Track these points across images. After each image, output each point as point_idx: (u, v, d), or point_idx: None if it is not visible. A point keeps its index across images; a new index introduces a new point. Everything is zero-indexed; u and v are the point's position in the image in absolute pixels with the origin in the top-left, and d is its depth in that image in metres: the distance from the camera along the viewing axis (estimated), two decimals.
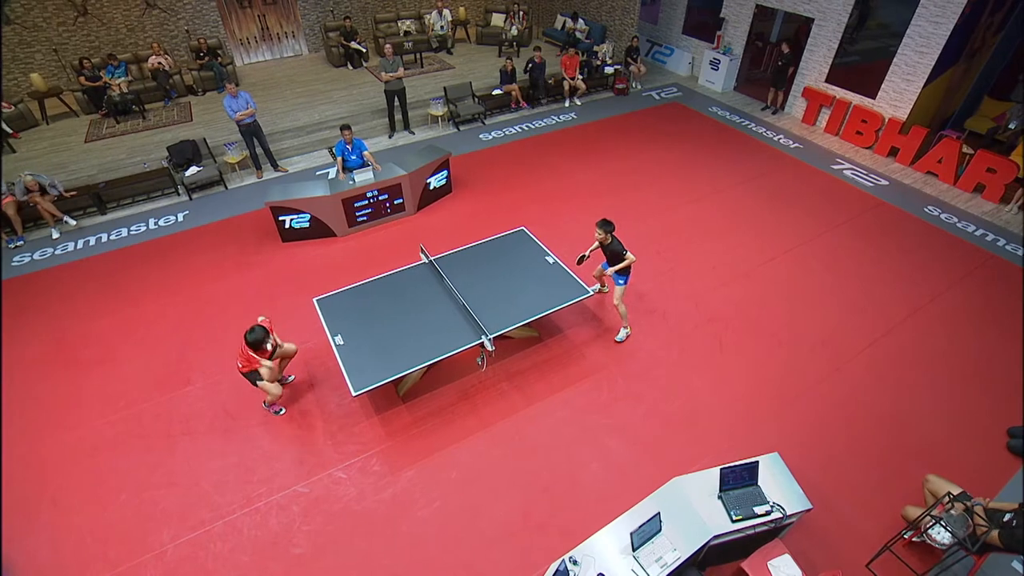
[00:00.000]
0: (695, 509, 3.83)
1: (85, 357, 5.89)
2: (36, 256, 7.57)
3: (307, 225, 7.49)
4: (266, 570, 4.09)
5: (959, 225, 7.75)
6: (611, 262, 5.56)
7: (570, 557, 3.53)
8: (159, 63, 11.01)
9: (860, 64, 9.77)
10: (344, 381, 4.65)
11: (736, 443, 4.87)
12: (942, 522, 3.82)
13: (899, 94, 9.14)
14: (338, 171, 7.76)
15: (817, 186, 8.63)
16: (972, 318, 6.18)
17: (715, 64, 11.97)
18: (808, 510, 3.87)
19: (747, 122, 10.69)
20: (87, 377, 5.65)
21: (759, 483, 3.96)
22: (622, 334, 5.91)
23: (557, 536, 4.22)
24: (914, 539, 4.11)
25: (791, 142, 9.96)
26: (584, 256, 5.67)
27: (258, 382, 5.04)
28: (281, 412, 5.32)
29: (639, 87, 12.32)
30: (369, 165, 7.72)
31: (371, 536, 4.29)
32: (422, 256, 6.08)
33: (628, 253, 5.41)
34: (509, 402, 5.32)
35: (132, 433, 5.11)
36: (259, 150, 8.99)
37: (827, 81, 10.18)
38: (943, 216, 7.95)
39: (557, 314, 6.17)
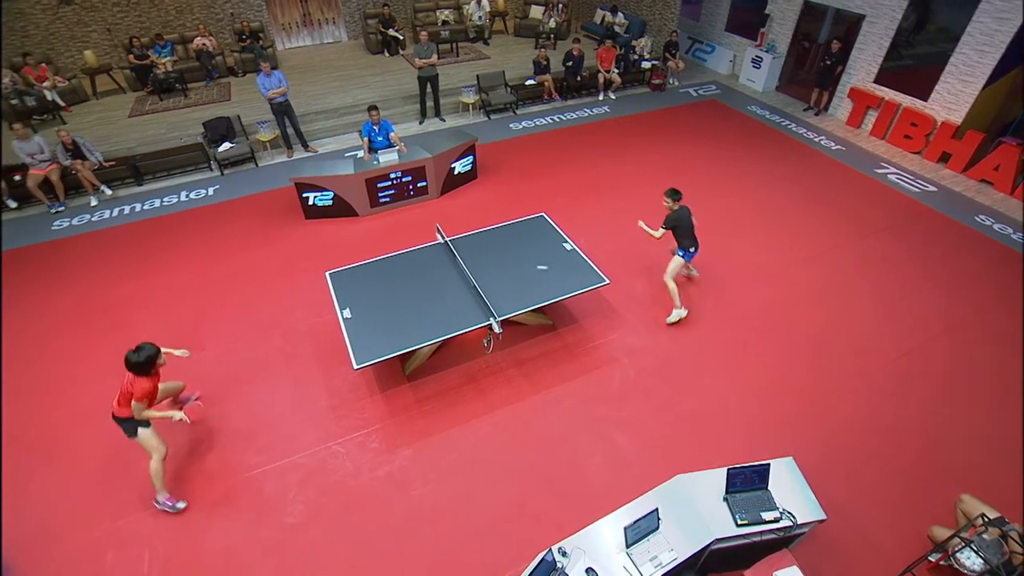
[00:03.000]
0: (698, 509, 3.62)
1: (108, 318, 6.04)
2: (75, 222, 7.84)
3: (330, 203, 7.52)
4: (257, 536, 4.07)
5: (1014, 236, 7.23)
6: (689, 239, 5.52)
7: (559, 548, 3.37)
8: (203, 44, 11.32)
9: (912, 65, 9.25)
10: (350, 357, 4.61)
11: (749, 447, 4.62)
12: (973, 546, 3.51)
13: (954, 96, 8.60)
14: (364, 151, 7.78)
15: (858, 189, 8.19)
16: (1021, 334, 5.72)
17: (757, 62, 11.55)
18: (821, 521, 3.61)
19: (787, 122, 10.26)
20: (108, 336, 5.79)
21: (769, 488, 3.72)
22: (674, 315, 5.71)
23: (552, 527, 4.06)
24: (940, 562, 3.79)
25: (833, 144, 9.51)
26: (641, 224, 5.59)
27: (138, 431, 4.04)
28: (180, 507, 4.21)
29: (676, 83, 12.00)
30: (395, 147, 7.71)
31: (363, 512, 4.22)
32: (438, 236, 6.01)
33: (661, 229, 5.38)
34: (516, 388, 5.19)
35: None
36: (290, 130, 9.11)
37: (875, 81, 9.67)
38: (996, 227, 7.42)
39: (573, 303, 6.03)
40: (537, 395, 5.12)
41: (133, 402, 3.88)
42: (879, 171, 8.67)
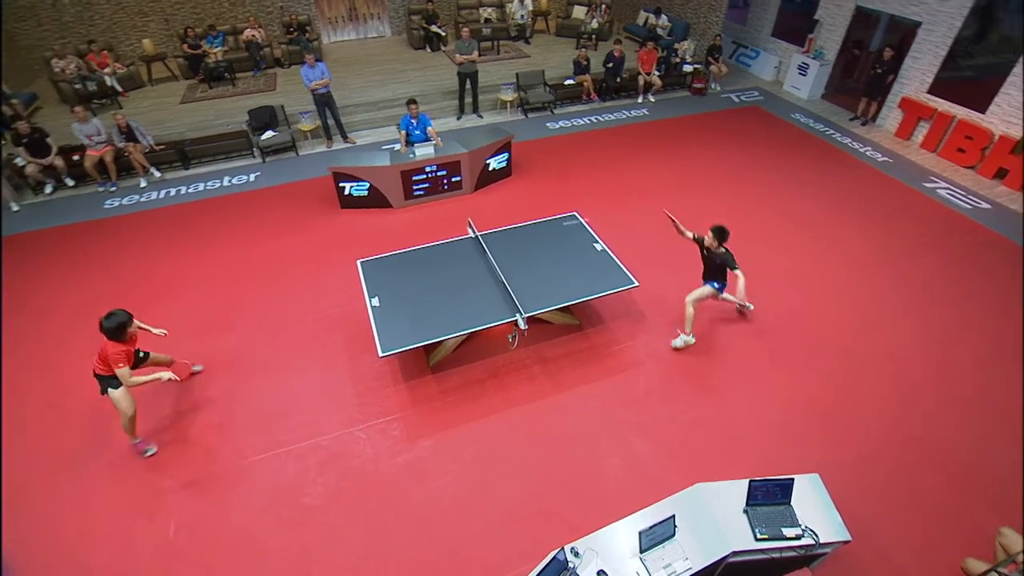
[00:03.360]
0: (716, 520, 3.55)
1: (147, 294, 6.29)
2: (124, 201, 8.20)
3: (365, 194, 7.65)
4: (276, 514, 4.18)
5: None
6: (711, 273, 5.26)
7: (571, 548, 3.35)
8: (253, 35, 11.66)
9: (971, 76, 8.84)
10: (376, 344, 4.68)
11: (773, 460, 4.50)
12: None
13: (1016, 109, 8.17)
14: (401, 144, 7.89)
15: (904, 203, 7.88)
16: None
17: (803, 69, 11.22)
18: (846, 542, 3.49)
19: (832, 132, 9.94)
20: (146, 311, 6.01)
21: (792, 504, 3.62)
22: (680, 340, 5.44)
23: (566, 527, 4.04)
24: None
25: (879, 155, 9.17)
26: (673, 219, 5.39)
27: (108, 390, 4.28)
28: (151, 452, 4.55)
29: (718, 88, 11.77)
30: (432, 141, 7.79)
31: (380, 498, 4.29)
32: (469, 230, 6.05)
33: (739, 270, 4.92)
34: (538, 386, 5.18)
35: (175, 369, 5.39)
36: (331, 120, 9.31)
37: (929, 92, 9.28)
38: None
39: (601, 305, 5.99)
40: (559, 394, 5.10)
41: (117, 369, 4.11)
42: (928, 185, 8.33)
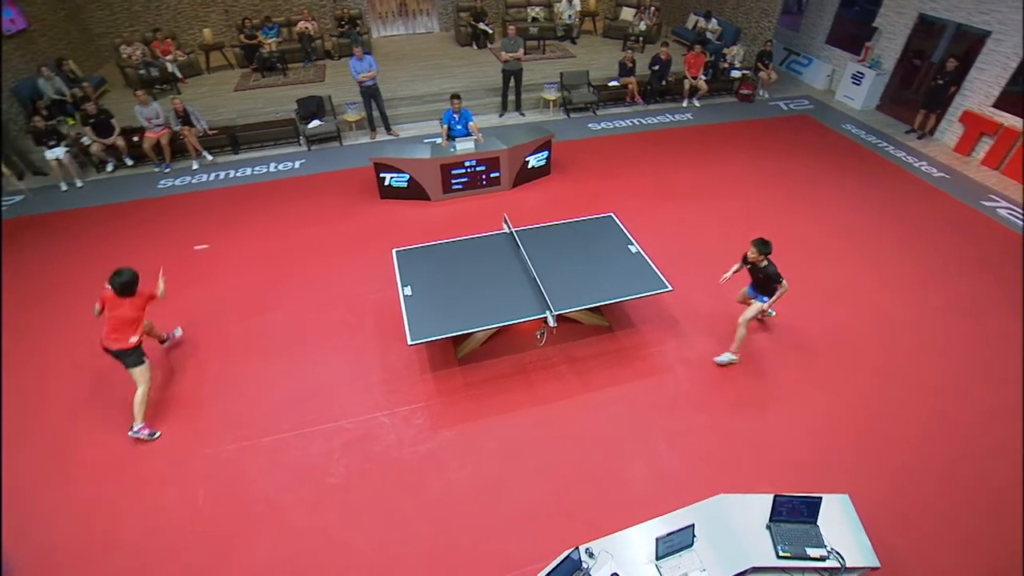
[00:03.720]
0: (737, 533, 3.47)
1: (192, 271, 6.57)
2: (176, 182, 8.57)
3: (405, 185, 7.78)
4: (299, 491, 4.29)
5: None
6: (759, 286, 5.13)
7: (587, 548, 3.33)
8: (306, 28, 12.01)
9: None
10: (405, 332, 4.75)
11: (801, 477, 4.36)
12: None
13: None
14: (442, 138, 7.98)
15: (960, 222, 7.51)
16: None
17: (857, 78, 10.81)
18: (874, 568, 3.36)
19: (885, 144, 9.56)
20: (190, 288, 6.29)
21: (819, 523, 3.51)
22: (725, 357, 5.34)
23: (583, 527, 4.01)
24: None
25: (935, 170, 8.76)
26: (726, 277, 5.30)
27: (134, 368, 4.54)
28: (156, 436, 4.68)
29: (766, 95, 11.47)
30: (473, 136, 7.86)
31: (400, 484, 4.35)
32: (504, 226, 6.08)
33: (784, 281, 4.86)
34: (565, 385, 5.17)
35: (216, 345, 5.62)
36: (375, 112, 9.49)
37: (994, 106, 8.81)
38: None
39: (632, 308, 5.93)
40: (586, 394, 5.08)
41: (153, 296, 4.65)
42: (987, 204, 7.91)
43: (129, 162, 8.95)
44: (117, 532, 4.05)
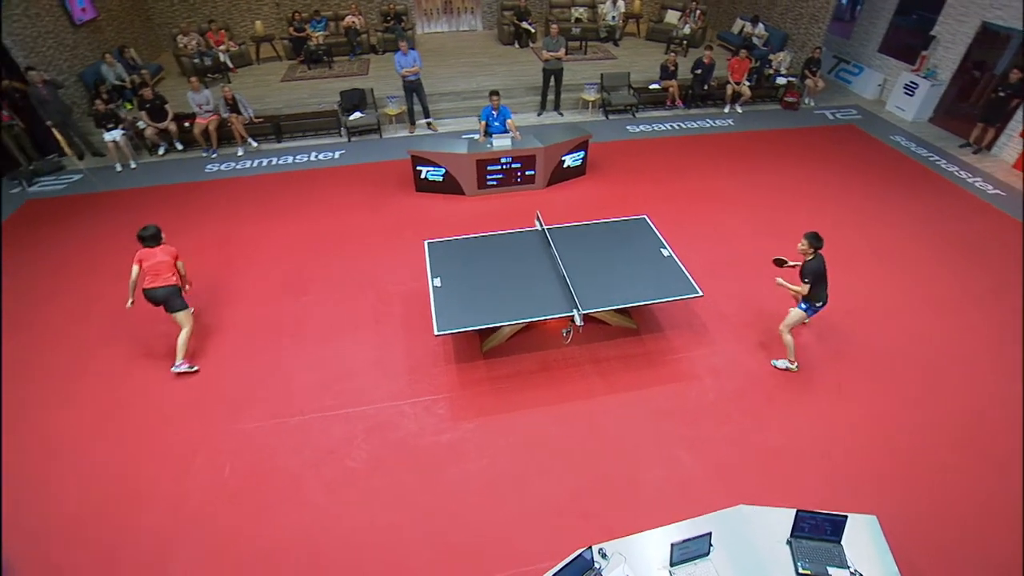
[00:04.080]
0: (755, 545, 3.39)
1: (233, 252, 6.82)
2: (222, 167, 8.89)
3: (440, 179, 7.87)
4: (320, 471, 4.40)
5: None
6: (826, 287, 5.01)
7: (599, 548, 3.31)
8: (353, 22, 12.28)
9: None
10: (432, 323, 4.81)
11: (826, 495, 4.23)
12: None
13: None
14: (480, 133, 8.05)
15: (1015, 241, 7.15)
16: None
17: (910, 88, 10.40)
18: None
19: (937, 158, 9.17)
20: (229, 268, 6.51)
21: (843, 543, 3.40)
22: (782, 363, 5.30)
23: (598, 528, 4.00)
24: None
25: (990, 187, 8.35)
26: (783, 260, 5.31)
27: (178, 312, 5.05)
28: (195, 369, 5.23)
29: (811, 103, 11.14)
30: (510, 133, 7.89)
31: (419, 472, 4.41)
32: (536, 223, 6.09)
33: (805, 286, 4.82)
34: (588, 385, 5.14)
35: (247, 324, 5.82)
36: (417, 107, 9.63)
37: None
38: None
39: (661, 312, 5.86)
40: (609, 396, 5.04)
41: (179, 263, 5.10)
42: None
43: (179, 147, 9.33)
44: (148, 495, 4.24)
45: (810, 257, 4.81)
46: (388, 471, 4.41)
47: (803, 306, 5.03)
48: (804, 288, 4.86)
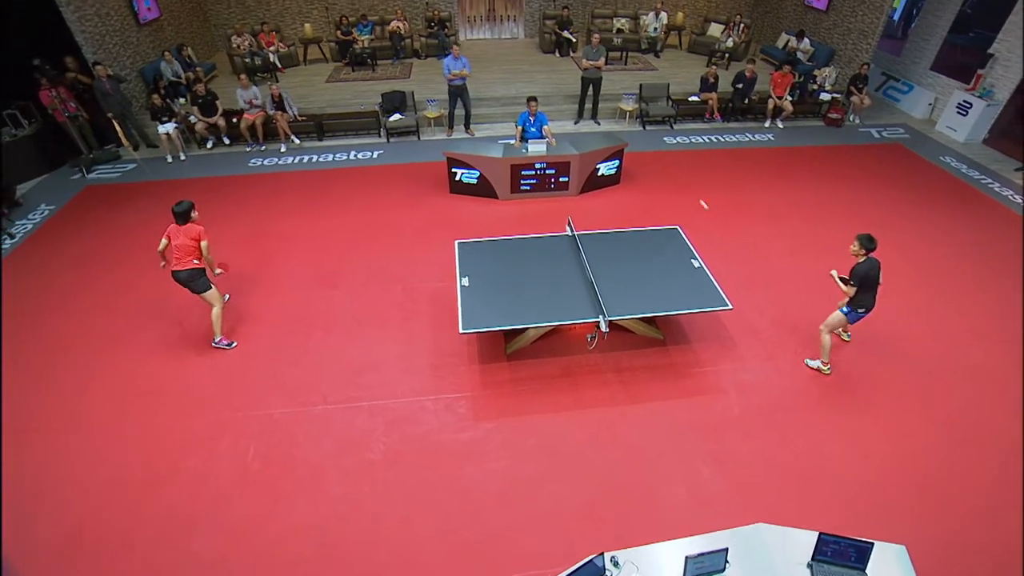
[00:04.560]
0: (774, 565, 3.30)
1: (270, 244, 7.06)
2: (265, 162, 9.21)
3: (475, 182, 7.97)
4: (340, 460, 4.48)
5: None
6: (874, 293, 4.90)
7: (612, 556, 3.27)
8: (398, 27, 12.57)
9: None
10: (458, 321, 4.86)
11: (851, 520, 4.08)
12: None
13: None
14: (516, 139, 8.12)
15: None
16: None
17: (963, 108, 10.01)
18: None
19: (990, 181, 8.79)
20: (268, 259, 6.73)
21: (867, 571, 3.28)
22: (816, 363, 5.29)
23: (613, 536, 3.96)
24: None
25: None
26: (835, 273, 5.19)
27: (203, 292, 5.22)
28: (233, 345, 5.49)
29: (857, 121, 10.84)
30: (546, 139, 7.94)
31: (437, 468, 4.45)
32: (567, 229, 6.10)
33: (851, 285, 4.75)
34: (610, 393, 5.11)
35: (280, 314, 5.99)
36: (459, 111, 9.75)
37: None
38: None
39: (689, 324, 5.79)
40: (631, 405, 5.00)
41: (202, 243, 5.12)
42: None
43: (226, 141, 9.71)
44: (174, 471, 4.41)
45: (861, 260, 4.71)
46: (406, 465, 4.47)
47: (845, 309, 4.92)
48: (850, 290, 4.76)
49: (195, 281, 5.21)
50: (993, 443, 4.69)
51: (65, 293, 6.29)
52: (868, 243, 4.66)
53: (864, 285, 4.75)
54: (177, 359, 5.42)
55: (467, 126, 10.03)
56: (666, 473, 4.44)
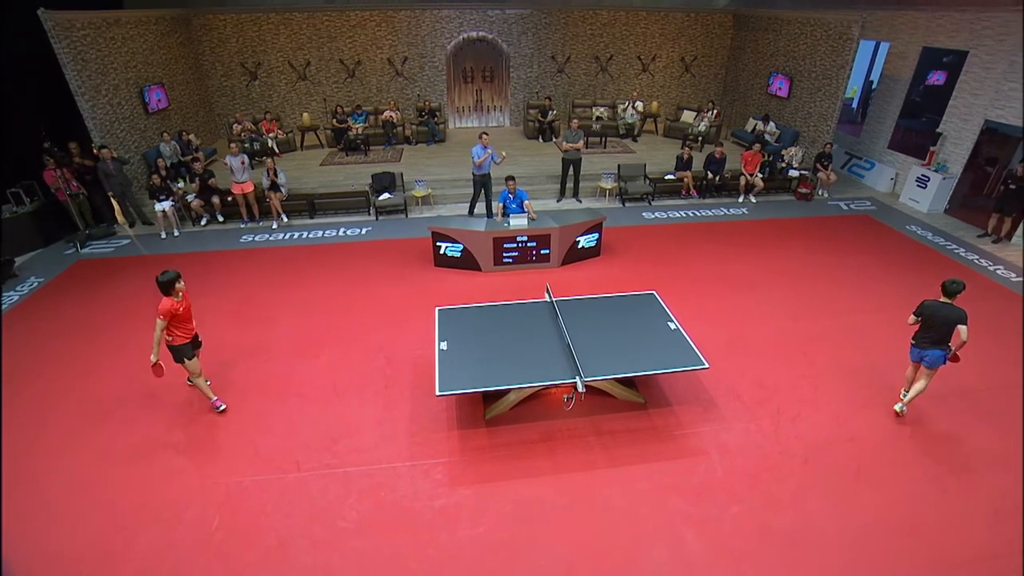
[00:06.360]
0: None
1: (258, 313, 7.16)
2: (256, 238, 9.50)
3: (459, 255, 8.21)
4: (310, 530, 4.30)
5: None
6: (937, 337, 5.09)
7: None
8: (390, 116, 13.44)
9: None
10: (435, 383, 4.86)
11: None
12: None
13: None
14: (498, 215, 8.46)
15: None
16: None
17: (923, 182, 10.62)
18: None
19: (955, 247, 9.15)
20: (254, 330, 6.78)
21: None
22: (898, 407, 5.48)
23: None
24: None
25: (1013, 275, 8.23)
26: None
27: (185, 361, 5.15)
28: (221, 408, 5.46)
29: (825, 195, 11.43)
30: (527, 213, 8.28)
31: (410, 536, 4.26)
32: (545, 295, 6.24)
33: (963, 327, 4.94)
34: (590, 457, 5.01)
35: (257, 382, 5.97)
36: (481, 201, 9.84)
37: None
38: None
39: (670, 388, 5.79)
40: (611, 469, 4.88)
41: (158, 319, 4.83)
42: None
43: (220, 219, 10.05)
44: (134, 541, 4.21)
45: (941, 299, 5.06)
46: (378, 533, 4.28)
47: (932, 353, 5.14)
48: (911, 319, 5.21)
49: (172, 353, 5.16)
50: (987, 508, 4.58)
51: (43, 363, 6.24)
52: (947, 286, 5.05)
53: (925, 320, 5.12)
54: (151, 428, 5.31)
55: (489, 214, 9.83)
56: (649, 539, 4.27)
